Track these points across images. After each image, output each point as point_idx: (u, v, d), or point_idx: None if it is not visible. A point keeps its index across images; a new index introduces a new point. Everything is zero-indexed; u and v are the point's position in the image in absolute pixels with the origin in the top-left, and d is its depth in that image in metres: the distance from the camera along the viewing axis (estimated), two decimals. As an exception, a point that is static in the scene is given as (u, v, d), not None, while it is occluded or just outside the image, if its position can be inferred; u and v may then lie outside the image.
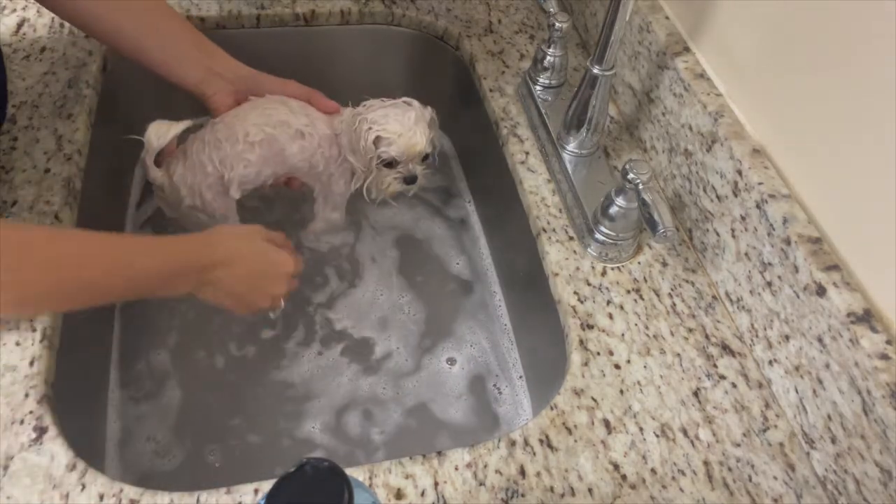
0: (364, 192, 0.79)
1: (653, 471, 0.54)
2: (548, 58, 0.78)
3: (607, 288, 0.65)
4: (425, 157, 0.78)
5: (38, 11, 0.84)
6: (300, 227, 0.87)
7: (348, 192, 0.81)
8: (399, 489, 0.52)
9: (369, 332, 0.81)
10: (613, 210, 0.64)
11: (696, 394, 0.59)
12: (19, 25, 0.82)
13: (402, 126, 0.73)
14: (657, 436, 0.56)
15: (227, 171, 0.73)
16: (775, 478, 0.54)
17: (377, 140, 0.74)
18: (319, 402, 0.75)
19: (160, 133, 0.70)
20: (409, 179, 0.77)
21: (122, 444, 0.70)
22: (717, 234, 0.64)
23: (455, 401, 0.76)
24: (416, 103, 0.76)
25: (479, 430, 0.75)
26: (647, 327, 0.63)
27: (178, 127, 0.71)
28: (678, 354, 0.61)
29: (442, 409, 0.76)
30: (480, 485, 0.52)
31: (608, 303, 0.64)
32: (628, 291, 0.65)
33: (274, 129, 0.74)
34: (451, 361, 0.79)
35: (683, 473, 0.54)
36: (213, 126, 0.75)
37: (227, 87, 0.75)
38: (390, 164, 0.76)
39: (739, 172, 0.60)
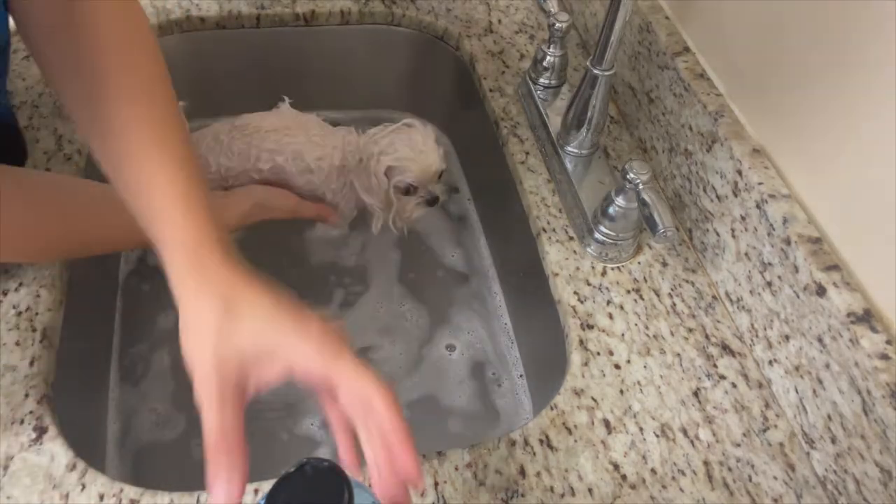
0: (391, 225, 0.76)
1: (653, 471, 0.54)
2: (548, 58, 0.78)
3: (607, 288, 0.65)
4: (440, 175, 0.75)
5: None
6: (304, 229, 0.88)
7: (351, 216, 0.80)
8: (399, 489, 0.52)
9: (374, 336, 0.82)
10: (613, 210, 0.64)
11: (696, 394, 0.59)
12: (19, 25, 0.82)
13: (413, 150, 0.70)
14: (657, 436, 0.56)
15: (231, 179, 0.75)
16: (775, 478, 0.54)
17: (389, 170, 0.71)
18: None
19: None
20: (431, 201, 0.74)
21: (121, 443, 0.70)
22: (717, 234, 0.64)
23: (457, 387, 0.77)
24: (416, 122, 0.73)
25: (484, 419, 0.75)
26: (647, 327, 0.63)
27: None
28: (678, 354, 0.61)
29: (447, 398, 0.77)
30: (480, 485, 0.52)
31: (608, 303, 0.64)
32: (628, 291, 0.65)
33: (285, 162, 0.73)
34: (451, 348, 0.80)
35: (683, 473, 0.54)
36: (231, 128, 0.75)
37: None
38: (408, 191, 0.73)
39: (739, 172, 0.60)
